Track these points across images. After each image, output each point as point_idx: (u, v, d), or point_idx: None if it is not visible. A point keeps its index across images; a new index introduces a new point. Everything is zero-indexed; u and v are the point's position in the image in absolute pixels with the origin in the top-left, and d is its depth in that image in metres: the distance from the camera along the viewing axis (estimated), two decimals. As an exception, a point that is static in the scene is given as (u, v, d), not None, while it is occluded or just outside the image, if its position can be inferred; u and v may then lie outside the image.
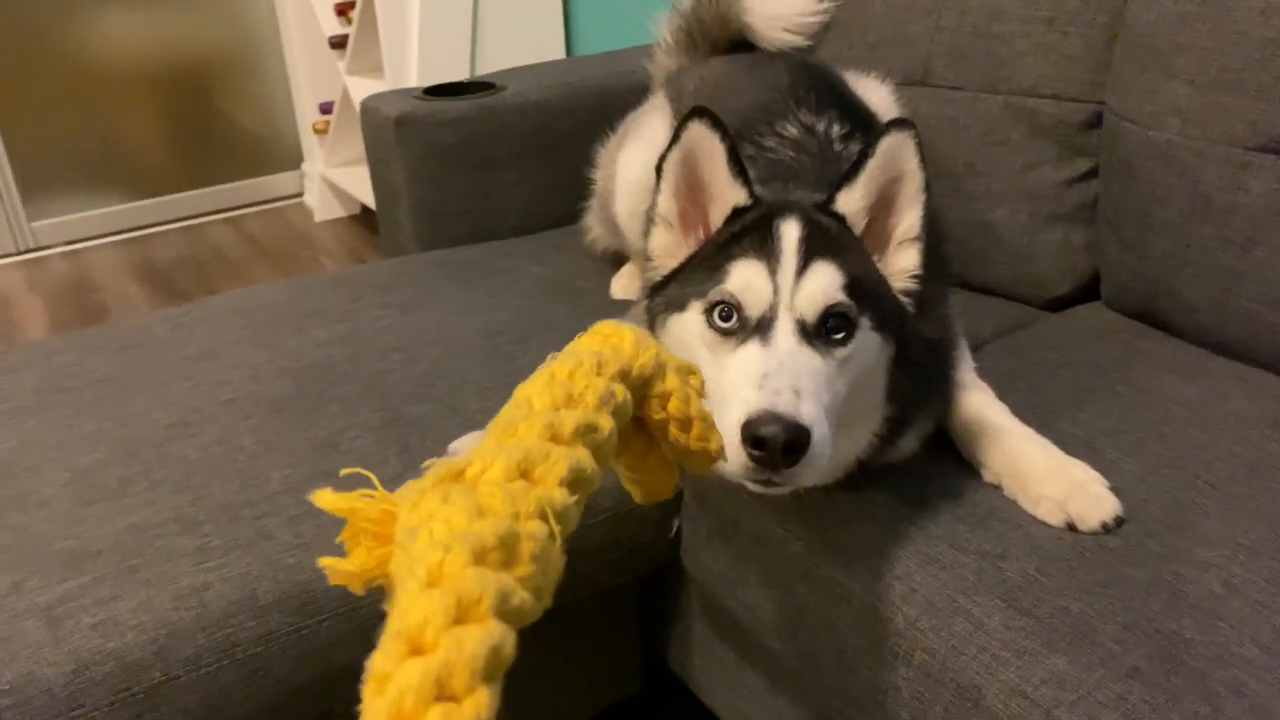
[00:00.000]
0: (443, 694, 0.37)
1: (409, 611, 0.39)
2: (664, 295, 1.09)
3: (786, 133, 1.40)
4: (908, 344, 1.05)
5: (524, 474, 0.45)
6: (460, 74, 2.79)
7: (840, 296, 0.98)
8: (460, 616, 0.39)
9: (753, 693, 1.34)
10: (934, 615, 0.98)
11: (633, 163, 1.65)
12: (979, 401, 1.20)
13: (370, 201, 2.58)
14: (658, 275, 1.11)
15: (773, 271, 0.98)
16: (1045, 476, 1.09)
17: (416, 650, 0.38)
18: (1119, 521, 1.04)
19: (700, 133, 1.04)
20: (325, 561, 0.46)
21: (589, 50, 3.14)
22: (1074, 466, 1.10)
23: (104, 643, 1.00)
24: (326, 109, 3.91)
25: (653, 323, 1.13)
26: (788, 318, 0.96)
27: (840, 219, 1.05)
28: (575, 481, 0.46)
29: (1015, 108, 1.61)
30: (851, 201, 1.05)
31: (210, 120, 4.15)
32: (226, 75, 4.13)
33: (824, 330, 0.97)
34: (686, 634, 1.45)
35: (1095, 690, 0.86)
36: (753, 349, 0.95)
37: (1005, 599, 0.97)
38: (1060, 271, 1.63)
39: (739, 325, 0.98)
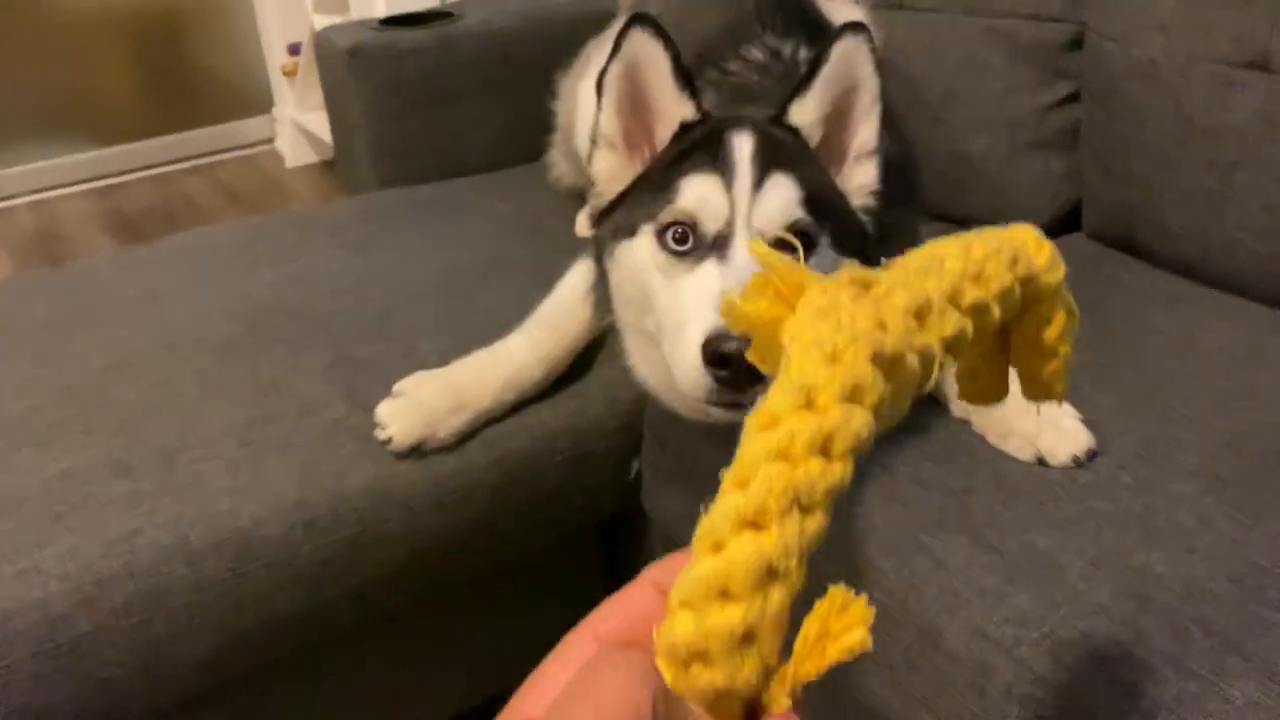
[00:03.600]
0: (824, 451, 0.39)
1: (810, 374, 0.40)
2: (611, 221, 1.03)
3: (751, 56, 1.33)
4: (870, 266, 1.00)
5: (919, 316, 0.46)
6: (428, 4, 2.70)
7: (800, 212, 0.92)
8: (850, 396, 0.40)
9: (717, 637, 1.31)
10: (894, 554, 0.94)
11: (593, 92, 1.58)
12: (946, 332, 1.15)
13: (339, 145, 2.50)
14: (603, 201, 1.05)
15: (728, 185, 0.92)
16: (1014, 410, 1.04)
17: (810, 407, 0.39)
18: (1091, 455, 1.00)
19: (642, 42, 0.97)
20: (730, 297, 0.46)
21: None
22: (1045, 399, 1.05)
23: (26, 592, 0.96)
24: (295, 50, 3.81)
25: (601, 253, 1.07)
26: (744, 233, 0.91)
27: (794, 132, 0.99)
28: (954, 344, 0.47)
29: (995, 30, 1.54)
30: (805, 113, 0.99)
31: (178, 64, 4.04)
32: (193, 16, 4.00)
33: (783, 248, 0.91)
34: (651, 578, 1.41)
35: (1059, 628, 0.82)
36: (709, 267, 0.90)
37: (969, 535, 0.92)
38: (1041, 201, 1.57)
39: (694, 245, 0.92)
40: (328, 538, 1.07)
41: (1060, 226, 1.59)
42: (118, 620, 0.99)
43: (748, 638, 0.36)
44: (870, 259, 0.98)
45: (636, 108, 1.01)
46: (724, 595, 0.36)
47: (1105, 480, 0.97)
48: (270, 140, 4.21)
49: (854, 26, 0.95)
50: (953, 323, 0.45)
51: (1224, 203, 1.27)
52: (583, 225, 1.67)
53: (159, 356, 1.28)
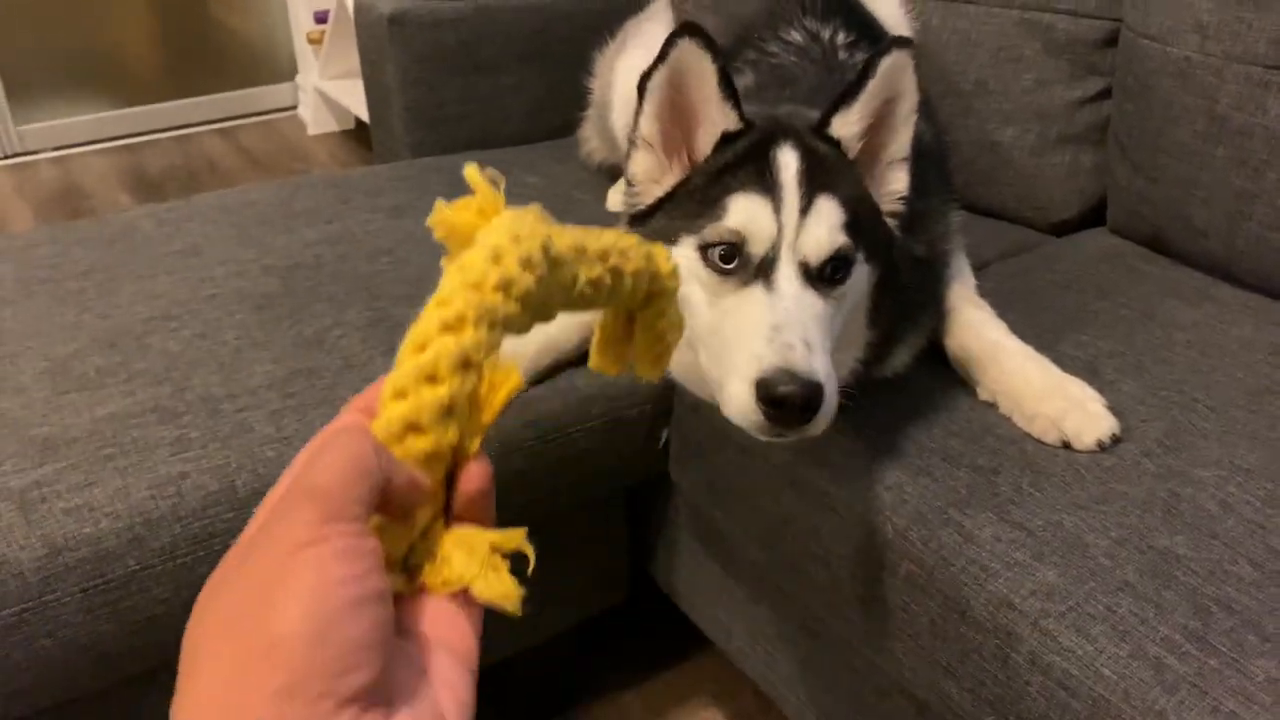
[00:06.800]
0: (505, 290, 0.49)
1: (500, 243, 0.50)
2: (650, 227, 1.02)
3: (790, 39, 1.35)
4: (893, 268, 1.02)
5: (577, 252, 0.56)
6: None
7: (844, 239, 0.93)
8: (523, 264, 0.50)
9: (734, 603, 1.34)
10: (923, 526, 0.96)
11: (631, 72, 1.58)
12: (975, 318, 1.17)
13: (365, 114, 2.51)
14: (642, 203, 1.05)
15: (776, 208, 0.93)
16: (1041, 393, 1.07)
17: (498, 262, 0.49)
18: (1115, 440, 1.02)
19: (690, 52, 0.97)
20: (442, 207, 0.55)
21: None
22: (1071, 384, 1.08)
23: (78, 528, 0.98)
24: (321, 18, 3.81)
25: None
26: (790, 259, 0.91)
27: (835, 144, 1.00)
28: (595, 286, 0.57)
29: (1030, 23, 1.56)
30: (848, 124, 0.99)
31: (203, 27, 4.05)
32: (220, -20, 4.02)
33: (825, 272, 0.93)
34: (672, 546, 1.44)
35: (1084, 602, 0.85)
36: (758, 294, 0.90)
37: (996, 512, 0.95)
38: (1067, 194, 1.59)
39: (739, 265, 0.93)
40: (368, 490, 1.10)
41: (1084, 221, 1.61)
42: (163, 560, 1.01)
43: (450, 410, 0.46)
44: (896, 260, 1.00)
45: (677, 113, 1.01)
46: (431, 379, 0.45)
47: (1129, 465, 1.00)
48: (293, 107, 4.22)
49: (901, 41, 0.97)
50: (598, 269, 0.57)
51: (1253, 202, 1.29)
52: (613, 200, 1.70)
53: (201, 309, 1.31)
